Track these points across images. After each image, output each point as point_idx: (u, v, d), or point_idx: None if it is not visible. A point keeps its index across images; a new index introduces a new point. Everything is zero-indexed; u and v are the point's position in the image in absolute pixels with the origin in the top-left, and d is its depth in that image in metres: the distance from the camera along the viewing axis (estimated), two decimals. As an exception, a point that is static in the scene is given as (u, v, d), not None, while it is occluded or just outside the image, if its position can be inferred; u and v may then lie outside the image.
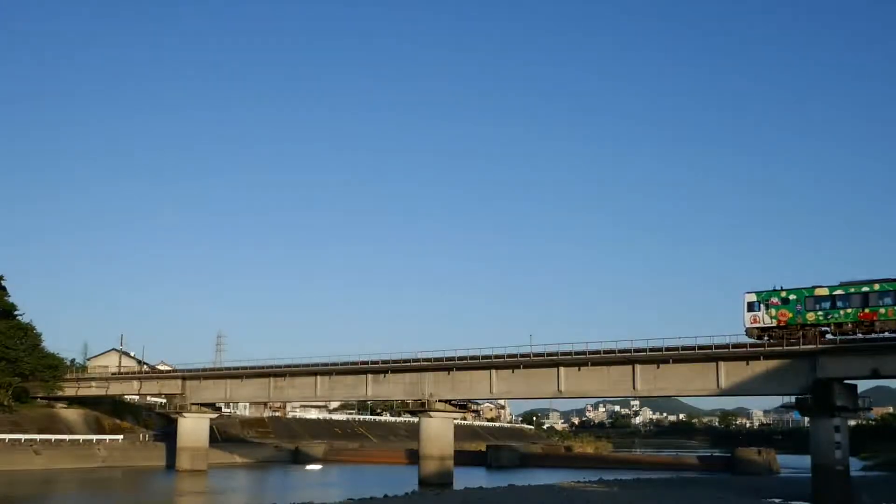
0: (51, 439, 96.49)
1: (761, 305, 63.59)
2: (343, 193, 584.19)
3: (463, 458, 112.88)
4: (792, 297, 62.28)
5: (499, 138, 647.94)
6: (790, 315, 62.23)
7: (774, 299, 62.91)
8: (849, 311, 59.90)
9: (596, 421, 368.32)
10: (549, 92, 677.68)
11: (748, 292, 64.51)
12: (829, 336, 60.50)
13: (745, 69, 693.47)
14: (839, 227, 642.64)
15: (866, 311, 58.95)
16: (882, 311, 58.38)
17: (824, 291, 61.27)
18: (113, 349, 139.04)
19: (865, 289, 59.66)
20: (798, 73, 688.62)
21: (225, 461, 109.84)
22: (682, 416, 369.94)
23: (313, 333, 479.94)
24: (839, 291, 60.70)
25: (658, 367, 67.98)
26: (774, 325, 62.62)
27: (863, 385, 64.99)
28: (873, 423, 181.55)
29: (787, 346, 61.45)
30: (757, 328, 63.41)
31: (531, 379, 74.62)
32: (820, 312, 60.97)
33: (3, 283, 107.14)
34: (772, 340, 62.37)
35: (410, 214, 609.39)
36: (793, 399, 64.43)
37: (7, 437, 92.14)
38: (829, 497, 58.74)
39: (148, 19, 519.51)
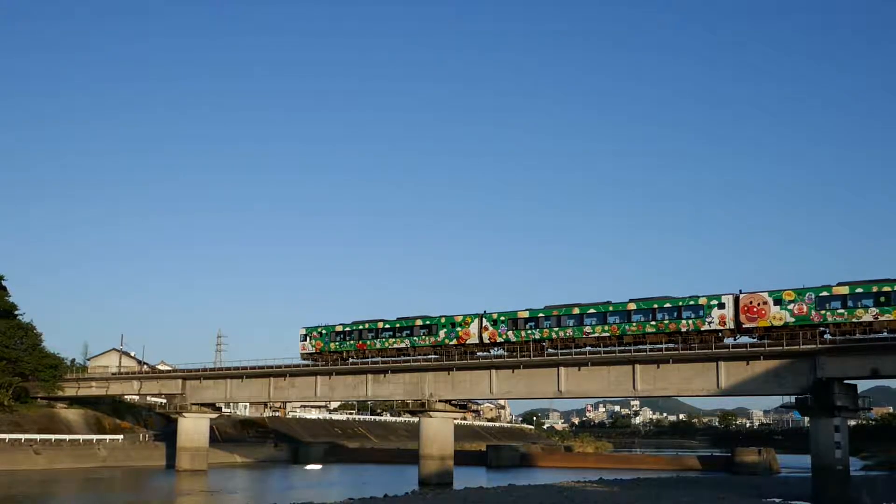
0: (51, 439, 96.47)
1: (307, 337, 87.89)
2: (343, 193, 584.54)
3: (463, 458, 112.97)
4: (323, 331, 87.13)
5: (499, 138, 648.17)
6: (322, 345, 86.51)
7: (314, 333, 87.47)
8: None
9: (596, 421, 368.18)
10: (549, 92, 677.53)
11: (302, 328, 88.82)
12: (827, 336, 60.68)
13: (745, 69, 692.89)
14: (839, 228, 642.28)
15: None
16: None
17: (340, 327, 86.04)
18: (113, 349, 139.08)
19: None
20: (798, 73, 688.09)
21: (225, 461, 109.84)
22: (682, 416, 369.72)
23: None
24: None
25: (658, 367, 67.95)
26: (314, 351, 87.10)
27: (863, 385, 65.13)
28: (873, 423, 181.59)
29: (787, 345, 61.52)
30: (304, 353, 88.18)
31: (531, 379, 74.59)
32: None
33: (4, 282, 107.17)
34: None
35: (411, 214, 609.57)
36: (793, 399, 64.41)
37: (7, 437, 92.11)
38: (829, 497, 58.75)
39: (148, 19, 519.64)
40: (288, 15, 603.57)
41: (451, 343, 78.75)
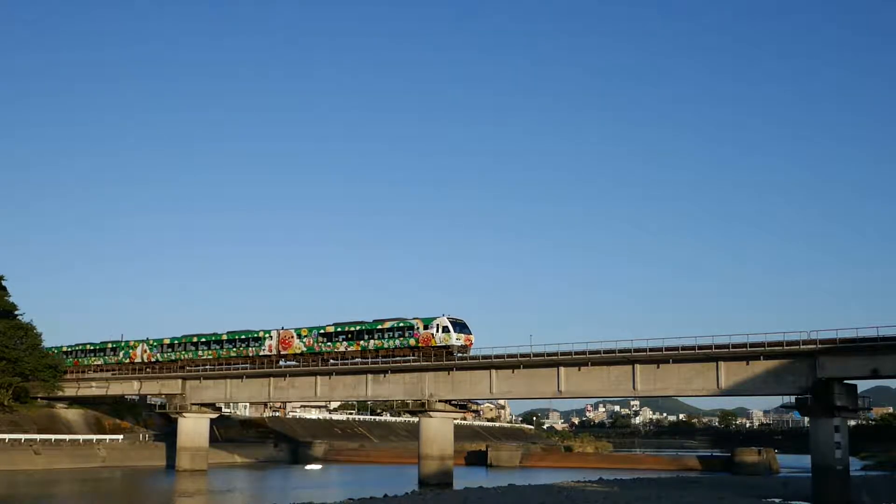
0: (51, 439, 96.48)
1: (141, 345, 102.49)
2: (344, 193, 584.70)
3: (463, 458, 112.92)
4: (154, 343, 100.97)
5: (499, 138, 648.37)
6: (153, 356, 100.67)
7: (148, 343, 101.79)
8: None
9: (596, 421, 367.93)
10: (549, 92, 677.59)
11: (142, 340, 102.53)
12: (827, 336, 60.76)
13: (745, 69, 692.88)
14: (839, 227, 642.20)
15: None
16: None
17: None
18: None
19: None
20: (797, 72, 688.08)
21: (225, 461, 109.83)
22: (682, 416, 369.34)
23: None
24: None
25: (658, 367, 67.97)
26: (146, 361, 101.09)
27: (863, 385, 65.07)
28: (873, 423, 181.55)
29: (786, 345, 61.54)
30: (136, 362, 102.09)
31: (531, 379, 74.62)
32: None
33: (3, 282, 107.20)
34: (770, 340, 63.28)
35: (411, 214, 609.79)
36: (793, 399, 64.44)
37: (7, 437, 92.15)
38: (829, 497, 58.74)
39: (148, 19, 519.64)
40: (288, 15, 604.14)
41: (258, 355, 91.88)
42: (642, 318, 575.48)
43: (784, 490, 69.34)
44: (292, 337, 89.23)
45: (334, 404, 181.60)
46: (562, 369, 72.68)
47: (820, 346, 60.15)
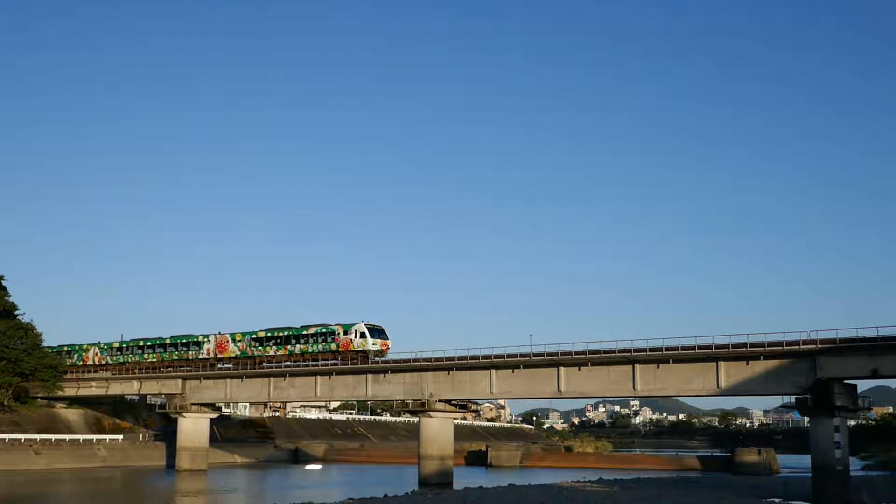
0: (51, 439, 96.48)
1: (94, 348, 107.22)
2: (344, 193, 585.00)
3: (463, 458, 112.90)
4: (104, 346, 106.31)
5: (499, 138, 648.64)
6: (104, 359, 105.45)
7: (99, 347, 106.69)
8: None
9: (596, 421, 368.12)
10: (548, 92, 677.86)
11: (94, 343, 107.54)
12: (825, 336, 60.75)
13: (745, 68, 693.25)
14: (839, 227, 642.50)
15: None
16: None
17: None
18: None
19: None
20: (797, 72, 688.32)
21: (225, 461, 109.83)
22: (682, 416, 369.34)
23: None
24: None
25: (658, 367, 67.97)
26: (98, 363, 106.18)
27: (863, 385, 65.10)
28: (873, 423, 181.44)
29: (786, 345, 61.54)
30: (90, 364, 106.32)
31: (531, 379, 74.62)
32: None
33: (4, 282, 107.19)
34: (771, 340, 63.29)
35: (411, 214, 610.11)
36: (793, 399, 64.45)
37: (7, 437, 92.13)
38: (829, 497, 58.73)
39: (148, 19, 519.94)
40: (287, 15, 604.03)
41: (198, 358, 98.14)
42: (642, 318, 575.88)
43: (784, 490, 69.32)
44: (228, 341, 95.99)
45: (334, 404, 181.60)
46: (562, 369, 72.68)
47: (820, 346, 60.14)
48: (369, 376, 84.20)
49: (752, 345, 63.23)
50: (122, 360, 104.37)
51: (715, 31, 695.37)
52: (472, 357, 76.89)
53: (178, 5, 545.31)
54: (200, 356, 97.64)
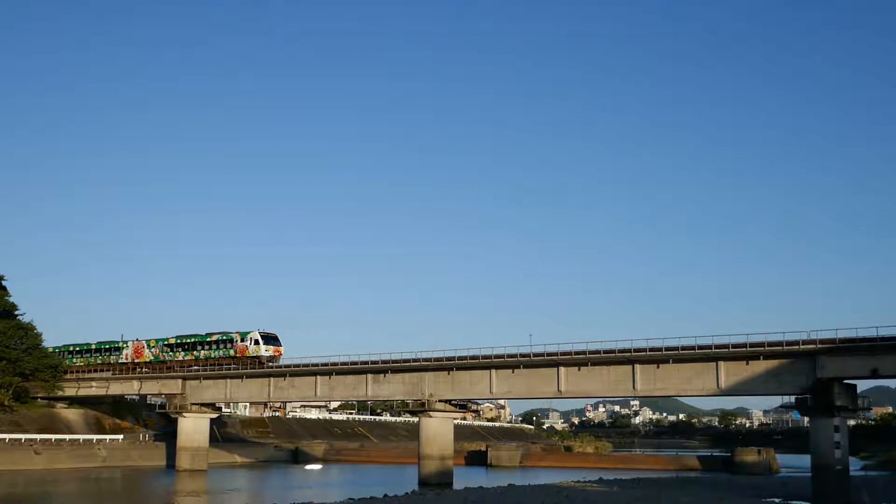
0: (51, 439, 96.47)
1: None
2: (344, 193, 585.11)
3: (463, 458, 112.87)
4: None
5: (498, 138, 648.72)
6: None
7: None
8: None
9: (596, 421, 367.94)
10: (548, 92, 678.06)
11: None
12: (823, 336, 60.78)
13: (745, 68, 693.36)
14: (838, 226, 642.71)
15: None
16: None
17: None
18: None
19: None
20: (798, 72, 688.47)
21: (225, 461, 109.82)
22: (682, 416, 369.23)
23: (313, 333, 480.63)
24: None
25: (658, 367, 67.99)
26: None
27: (863, 385, 65.19)
28: (873, 423, 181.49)
29: (786, 345, 61.55)
30: None
31: (531, 379, 74.63)
32: None
33: (4, 282, 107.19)
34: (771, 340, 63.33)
35: (411, 214, 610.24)
36: (793, 399, 64.50)
37: (7, 437, 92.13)
38: (829, 497, 58.77)
39: (148, 19, 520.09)
40: (287, 15, 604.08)
41: (118, 362, 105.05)
42: (642, 318, 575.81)
43: (784, 490, 69.36)
44: (143, 347, 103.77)
45: (334, 404, 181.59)
46: (562, 369, 72.69)
47: (820, 346, 60.16)
48: (369, 376, 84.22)
49: (752, 345, 63.25)
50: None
51: (715, 31, 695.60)
52: (472, 357, 76.91)
53: (179, 5, 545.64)
54: (120, 361, 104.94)
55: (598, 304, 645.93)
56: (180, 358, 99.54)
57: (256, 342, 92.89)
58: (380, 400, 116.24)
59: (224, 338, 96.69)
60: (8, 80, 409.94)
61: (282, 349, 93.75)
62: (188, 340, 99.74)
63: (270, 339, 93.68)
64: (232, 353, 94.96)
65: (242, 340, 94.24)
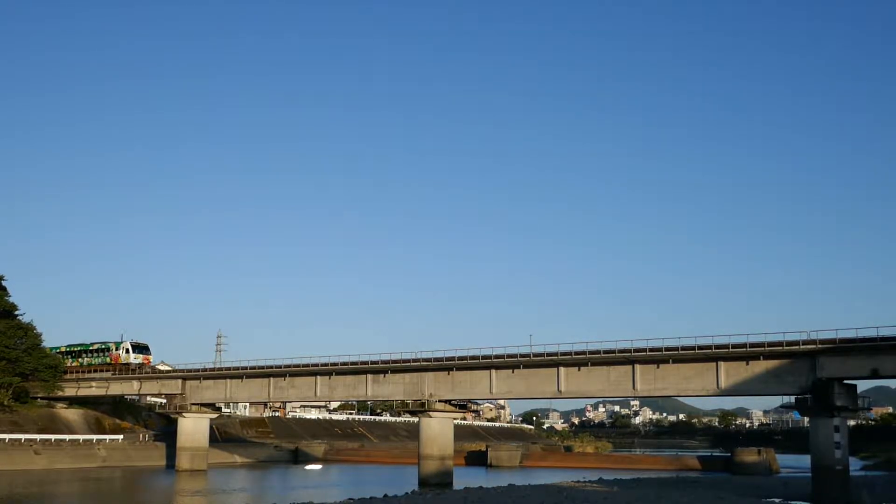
0: (51, 439, 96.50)
1: None
2: (344, 193, 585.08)
3: (463, 458, 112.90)
4: None
5: (498, 138, 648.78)
6: None
7: None
8: None
9: (596, 421, 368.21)
10: (548, 92, 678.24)
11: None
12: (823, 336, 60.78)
13: (745, 68, 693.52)
14: (839, 226, 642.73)
15: None
16: None
17: None
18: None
19: None
20: (797, 72, 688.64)
21: (225, 461, 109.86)
22: (682, 416, 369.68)
23: (313, 333, 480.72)
24: None
25: (658, 367, 68.00)
26: None
27: (863, 385, 65.13)
28: (873, 423, 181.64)
29: (786, 345, 61.55)
30: None
31: (531, 379, 74.63)
32: None
33: (3, 282, 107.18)
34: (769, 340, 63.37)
35: (411, 214, 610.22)
36: (793, 399, 64.46)
37: (7, 437, 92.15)
38: (829, 497, 58.79)
39: (148, 18, 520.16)
40: (287, 15, 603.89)
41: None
42: (642, 318, 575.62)
43: (784, 490, 69.37)
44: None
45: (334, 404, 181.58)
46: (562, 369, 72.69)
47: (820, 346, 60.18)
48: (369, 376, 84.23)
49: (752, 345, 63.27)
50: None
51: (715, 31, 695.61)
52: (472, 357, 76.92)
53: (179, 5, 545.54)
54: None
55: (598, 304, 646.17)
56: (69, 364, 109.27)
57: (128, 350, 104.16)
58: (380, 400, 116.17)
59: (102, 347, 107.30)
60: (8, 79, 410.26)
61: (150, 357, 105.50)
62: (75, 349, 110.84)
63: (140, 349, 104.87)
64: (108, 360, 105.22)
65: (117, 349, 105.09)
